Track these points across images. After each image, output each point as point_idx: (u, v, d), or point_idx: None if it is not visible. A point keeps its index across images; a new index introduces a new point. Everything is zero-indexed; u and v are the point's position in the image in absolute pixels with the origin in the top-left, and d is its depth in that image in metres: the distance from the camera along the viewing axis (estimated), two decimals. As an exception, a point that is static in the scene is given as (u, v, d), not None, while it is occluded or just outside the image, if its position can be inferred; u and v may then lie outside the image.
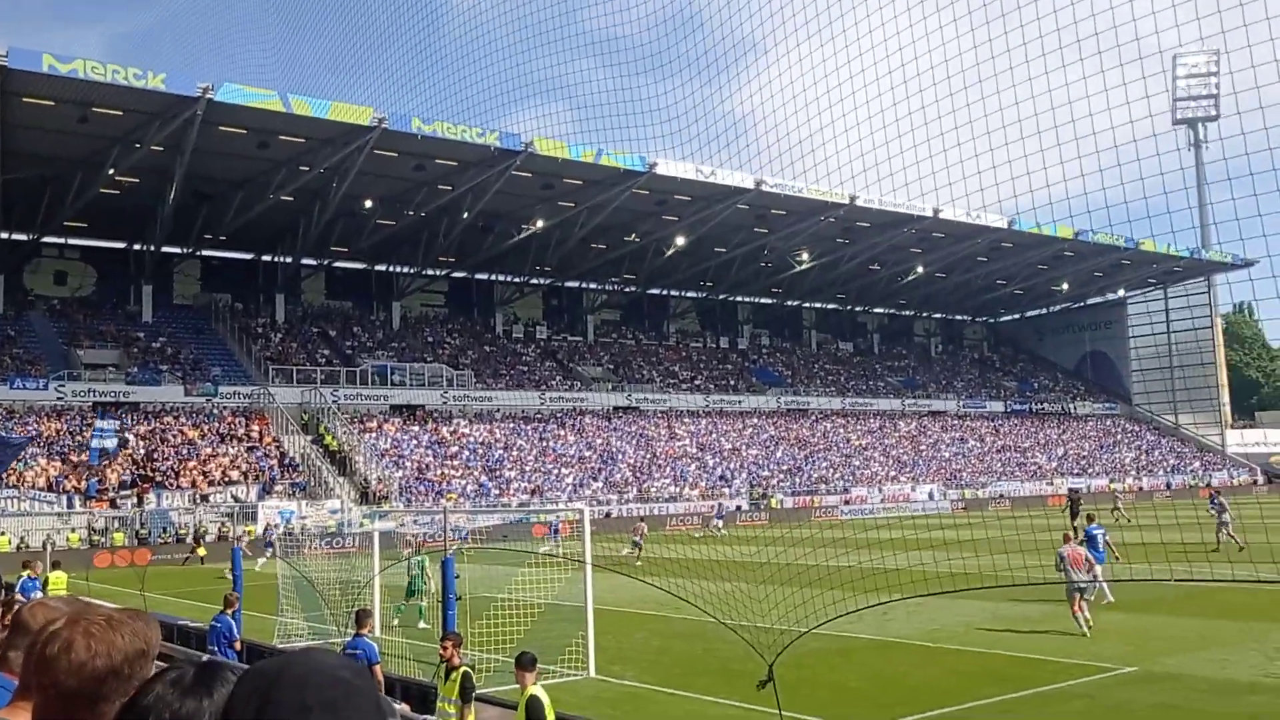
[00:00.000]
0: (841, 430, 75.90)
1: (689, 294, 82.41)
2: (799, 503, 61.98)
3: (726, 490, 61.70)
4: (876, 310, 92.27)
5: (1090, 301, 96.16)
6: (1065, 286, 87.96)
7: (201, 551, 40.52)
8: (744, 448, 69.08)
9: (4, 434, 41.53)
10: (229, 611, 13.34)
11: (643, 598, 20.56)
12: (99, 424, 48.86)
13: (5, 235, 55.72)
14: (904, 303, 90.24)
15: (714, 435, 69.58)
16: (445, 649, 10.27)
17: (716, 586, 17.81)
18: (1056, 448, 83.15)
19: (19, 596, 19.95)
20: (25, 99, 41.82)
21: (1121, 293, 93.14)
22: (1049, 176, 15.10)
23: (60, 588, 20.92)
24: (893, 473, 70.97)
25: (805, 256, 71.39)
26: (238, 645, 13.19)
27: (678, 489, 60.68)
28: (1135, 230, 65.07)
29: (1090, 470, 79.34)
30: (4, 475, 39.13)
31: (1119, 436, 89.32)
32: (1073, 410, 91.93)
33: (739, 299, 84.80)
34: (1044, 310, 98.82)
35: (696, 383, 75.57)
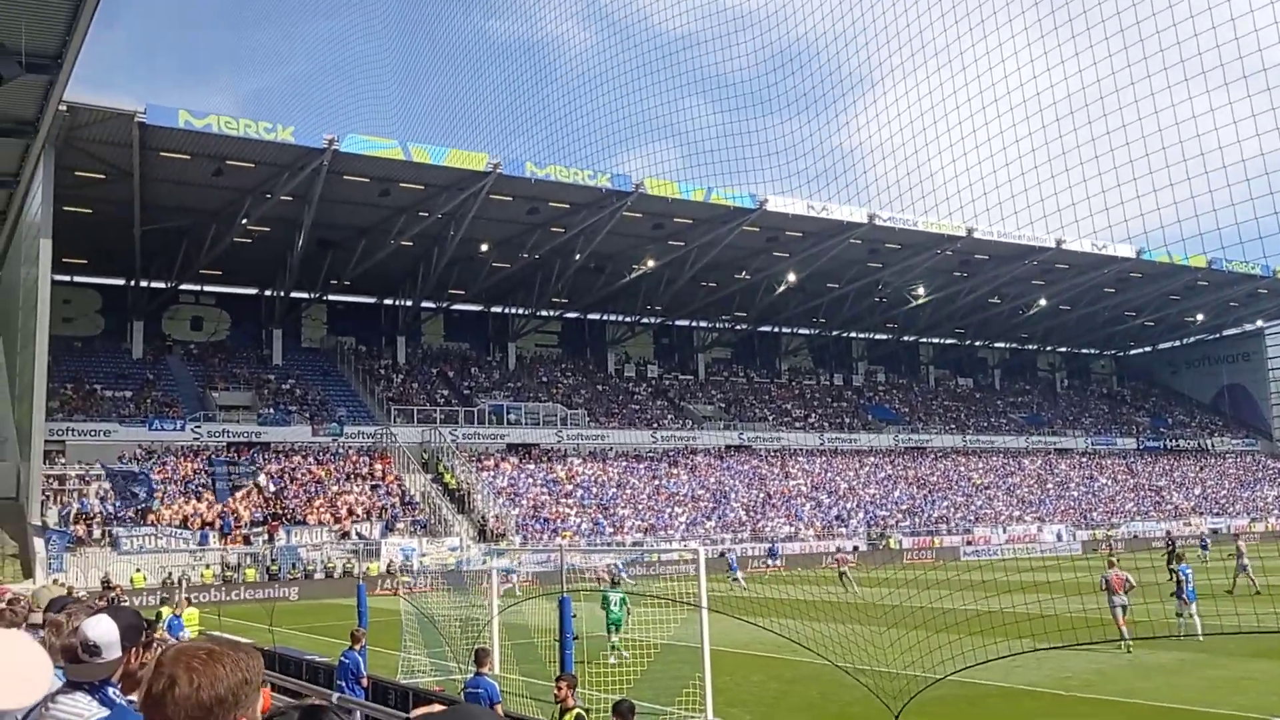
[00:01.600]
0: (962, 468, 73.94)
1: (801, 331, 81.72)
2: (918, 543, 60.49)
3: (843, 529, 60.62)
4: (997, 344, 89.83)
5: (1226, 333, 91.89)
6: (1200, 317, 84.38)
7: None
8: (860, 487, 67.88)
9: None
10: (356, 648, 13.62)
11: (760, 639, 20.31)
12: (231, 466, 50.82)
13: (145, 284, 58.71)
14: (1026, 336, 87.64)
15: (829, 474, 68.57)
16: (560, 690, 10.27)
17: (832, 629, 17.46)
18: (1194, 486, 79.40)
19: (165, 635, 20.82)
20: (162, 153, 44.12)
21: (1260, 323, 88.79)
22: (1179, 204, 14.54)
23: (193, 624, 21.71)
24: (1017, 512, 68.73)
25: (921, 291, 70.11)
26: (364, 681, 13.44)
27: (793, 529, 59.90)
28: (1272, 258, 62.08)
29: (1230, 509, 75.46)
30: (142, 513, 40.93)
31: (1259, 474, 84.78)
32: (1210, 446, 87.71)
33: (853, 335, 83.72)
34: (1177, 342, 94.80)
35: (810, 420, 74.69)
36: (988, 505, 68.87)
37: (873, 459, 71.99)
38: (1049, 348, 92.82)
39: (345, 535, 47.50)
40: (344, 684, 13.21)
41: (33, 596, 7.66)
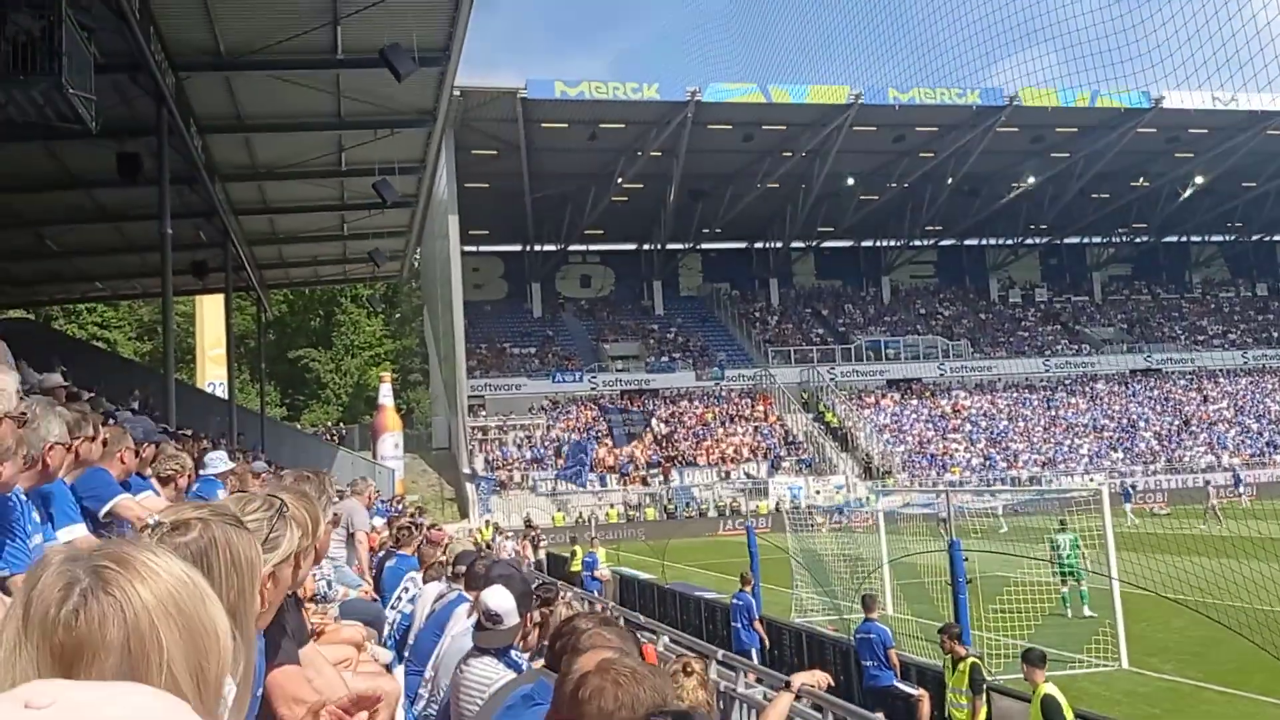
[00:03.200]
0: None
1: (1214, 238, 73.00)
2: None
3: (1278, 458, 53.82)
4: None
5: None
6: None
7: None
8: (1296, 408, 59.83)
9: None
10: (747, 589, 14.02)
11: (1180, 580, 18.51)
12: (624, 414, 54.14)
13: (539, 248, 63.63)
14: None
15: (1257, 396, 61.03)
16: (945, 643, 9.93)
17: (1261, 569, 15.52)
18: None
19: (582, 571, 22.73)
20: (543, 124, 47.39)
21: None
22: None
23: (606, 562, 23.55)
24: None
25: (1367, 179, 60.15)
26: (758, 624, 13.81)
27: (1215, 458, 54.06)
28: None
29: None
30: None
31: None
32: None
33: (1277, 238, 73.55)
34: None
35: (1231, 338, 66.76)
36: None
37: (1311, 376, 63.15)
38: None
39: (727, 476, 49.07)
40: (739, 624, 13.65)
41: (447, 549, 8.51)
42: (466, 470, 47.51)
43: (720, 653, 7.76)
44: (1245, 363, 64.00)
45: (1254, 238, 72.39)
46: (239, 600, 1.56)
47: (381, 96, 21.86)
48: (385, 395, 49.76)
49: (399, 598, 7.26)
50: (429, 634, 5.81)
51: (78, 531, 3.89)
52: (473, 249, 60.78)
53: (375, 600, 5.43)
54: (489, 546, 30.27)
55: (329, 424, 62.94)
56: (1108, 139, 52.38)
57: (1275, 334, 67.68)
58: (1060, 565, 18.59)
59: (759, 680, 6.68)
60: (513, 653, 4.02)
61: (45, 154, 21.68)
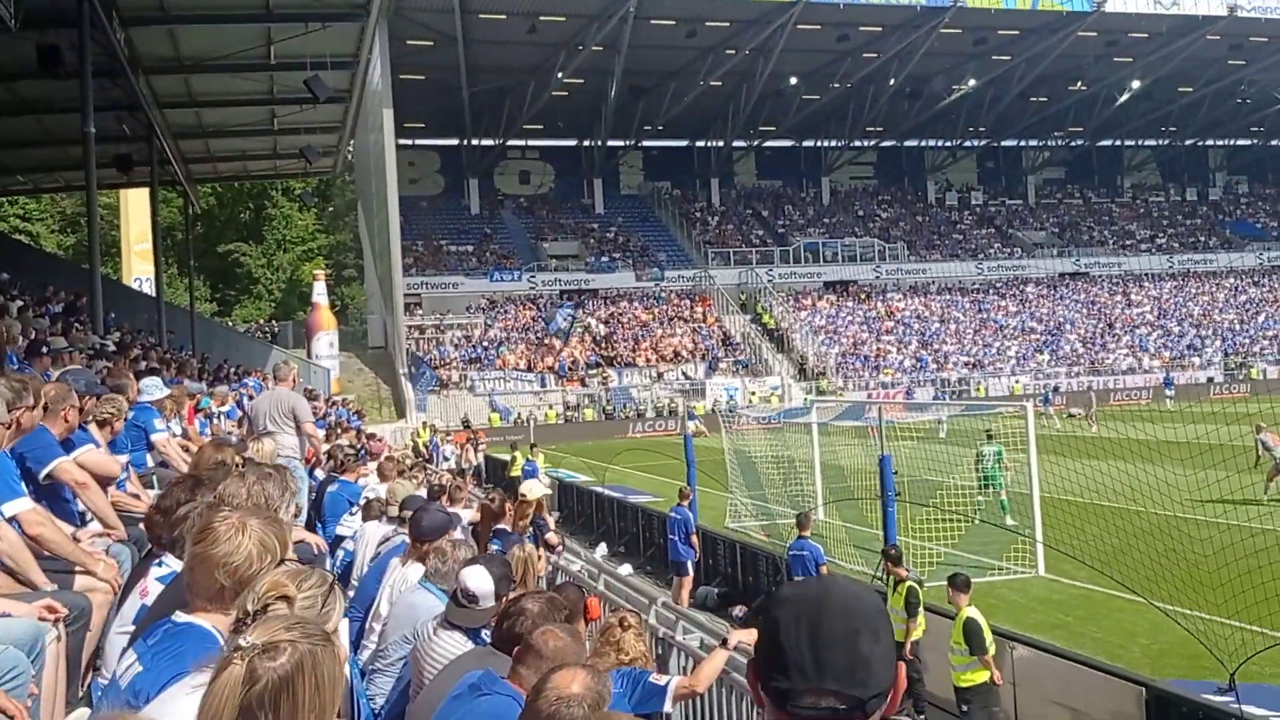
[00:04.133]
0: (1343, 288, 65.26)
1: (1147, 142, 73.96)
2: (1287, 373, 54.54)
3: (1196, 360, 55.75)
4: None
5: None
6: None
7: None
8: (1217, 312, 61.75)
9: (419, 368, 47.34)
10: (685, 503, 14.34)
11: (1099, 486, 19.26)
12: (559, 309, 54.08)
13: (477, 142, 62.34)
14: None
15: (1180, 299, 62.81)
16: (885, 565, 10.33)
17: (1177, 474, 16.23)
18: None
19: (522, 478, 22.95)
20: (481, 15, 46.04)
21: None
22: None
23: (545, 466, 23.74)
24: None
25: (1296, 87, 61.15)
26: (694, 539, 14.16)
27: (1136, 360, 55.81)
28: None
29: None
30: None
31: None
32: None
33: (1209, 143, 74.79)
34: None
35: (1158, 242, 68.30)
36: (1376, 330, 60.69)
37: (1232, 281, 65.05)
38: None
39: (660, 377, 49.49)
40: (676, 538, 14.00)
41: (390, 493, 8.58)
42: (404, 370, 47.30)
43: (660, 599, 7.99)
44: (1171, 267, 65.62)
45: (1187, 143, 73.46)
46: None
47: (312, -11, 21.09)
48: (320, 294, 49.04)
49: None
50: (372, 579, 5.90)
51: (21, 506, 3.89)
52: (408, 142, 59.36)
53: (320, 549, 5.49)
54: (428, 449, 30.42)
55: (261, 321, 62.00)
56: (1049, 42, 52.36)
57: (1201, 238, 69.36)
58: (984, 475, 19.11)
59: (698, 627, 6.92)
60: (484, 633, 4.11)
61: (-41, 46, 20.64)
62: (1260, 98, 63.22)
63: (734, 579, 14.64)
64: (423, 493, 8.75)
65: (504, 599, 4.29)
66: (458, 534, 9.27)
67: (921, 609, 9.86)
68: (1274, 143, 74.10)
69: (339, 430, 17.58)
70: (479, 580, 4.19)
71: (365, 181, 57.41)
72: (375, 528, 7.14)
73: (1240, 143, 75.17)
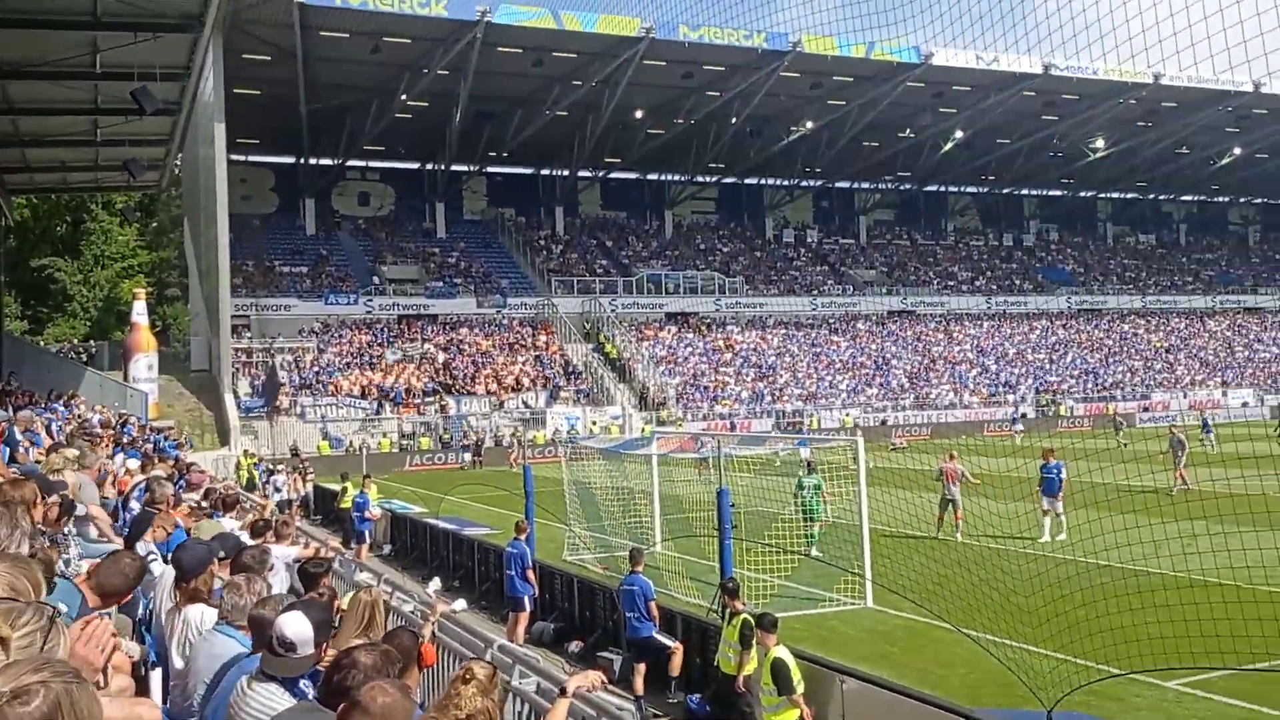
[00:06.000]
0: (1141, 331, 70.39)
1: (969, 189, 78.26)
2: (1091, 410, 58.29)
3: (1010, 397, 58.94)
4: (1184, 198, 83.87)
5: None
6: None
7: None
8: (1029, 351, 65.57)
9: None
10: (522, 537, 14.09)
11: (923, 518, 20.01)
12: (402, 338, 52.95)
13: (314, 161, 60.64)
14: (1217, 188, 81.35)
15: (996, 339, 66.42)
16: (722, 597, 10.38)
17: (985, 507, 16.99)
18: (1403, 348, 73.39)
19: (353, 511, 22.14)
20: (322, 32, 44.89)
21: None
22: None
23: (377, 498, 22.99)
24: (1200, 376, 65.23)
25: (1100, 143, 65.87)
26: (531, 574, 13.92)
27: (957, 396, 58.61)
28: None
29: None
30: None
31: None
32: None
33: (1024, 192, 79.75)
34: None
35: (977, 284, 72.12)
36: (1168, 370, 65.58)
37: (1043, 322, 69.25)
38: (1243, 199, 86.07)
39: (501, 405, 49.01)
40: (513, 573, 13.74)
41: (207, 494, 8.08)
42: (229, 395, 45.26)
43: (497, 642, 7.76)
44: (989, 308, 69.36)
45: (1004, 191, 78.03)
46: None
47: (142, -3, 20.02)
48: (139, 313, 46.37)
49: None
50: (160, 633, 5.50)
51: None
52: (241, 158, 57.29)
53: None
54: (261, 482, 29.03)
55: (76, 340, 58.35)
56: (880, 89, 54.82)
57: (1016, 281, 73.59)
58: (803, 506, 19.22)
59: (533, 671, 6.73)
60: (303, 683, 3.83)
61: None
62: (1070, 152, 67.76)
63: (571, 614, 14.46)
64: (239, 531, 8.26)
65: (324, 647, 4.03)
66: (282, 572, 8.81)
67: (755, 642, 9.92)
68: (1082, 194, 79.62)
69: (155, 460, 16.57)
70: (297, 626, 3.92)
71: (193, 197, 54.97)
72: (171, 572, 6.65)
73: (1052, 193, 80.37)
